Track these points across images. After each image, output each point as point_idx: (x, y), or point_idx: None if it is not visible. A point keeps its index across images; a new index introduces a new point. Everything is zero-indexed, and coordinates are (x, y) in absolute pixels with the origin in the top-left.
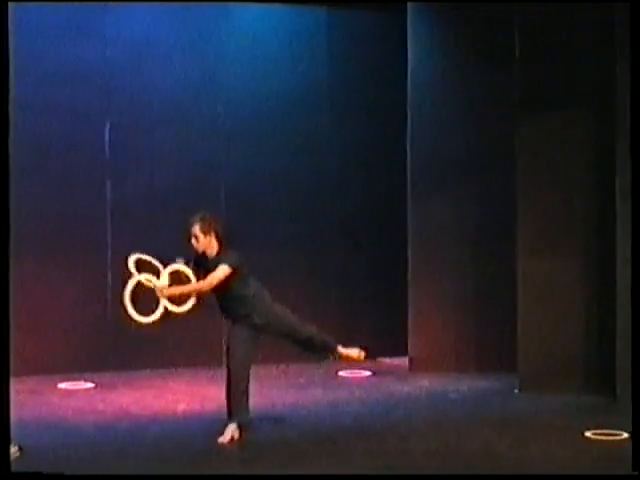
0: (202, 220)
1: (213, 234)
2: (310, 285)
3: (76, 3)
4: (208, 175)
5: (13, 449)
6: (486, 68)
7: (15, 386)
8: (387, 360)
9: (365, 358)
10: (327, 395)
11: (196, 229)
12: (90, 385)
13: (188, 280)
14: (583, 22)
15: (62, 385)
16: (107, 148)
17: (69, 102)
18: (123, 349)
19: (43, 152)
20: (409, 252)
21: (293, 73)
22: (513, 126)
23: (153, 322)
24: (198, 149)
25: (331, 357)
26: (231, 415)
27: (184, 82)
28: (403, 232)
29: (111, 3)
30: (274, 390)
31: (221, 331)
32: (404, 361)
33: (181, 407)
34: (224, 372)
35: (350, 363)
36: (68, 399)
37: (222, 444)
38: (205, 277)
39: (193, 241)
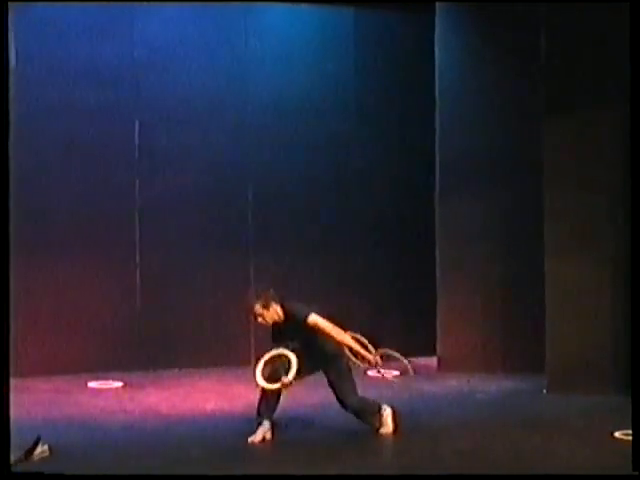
0: (258, 298)
1: (274, 305)
2: (338, 285)
3: (104, 4)
4: (236, 175)
5: (42, 448)
6: (514, 69)
7: (44, 385)
8: (415, 360)
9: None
10: None
11: (258, 309)
12: (119, 384)
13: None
14: (610, 22)
15: (91, 384)
16: (136, 148)
17: (98, 103)
18: (152, 349)
19: (73, 152)
20: (437, 252)
21: (320, 73)
22: (541, 127)
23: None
24: (226, 149)
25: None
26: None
27: (212, 82)
28: (431, 232)
29: (139, 4)
30: (301, 390)
31: (248, 331)
32: (432, 361)
33: (209, 406)
34: (252, 371)
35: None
36: (97, 398)
37: (252, 443)
38: (295, 335)
39: (260, 320)
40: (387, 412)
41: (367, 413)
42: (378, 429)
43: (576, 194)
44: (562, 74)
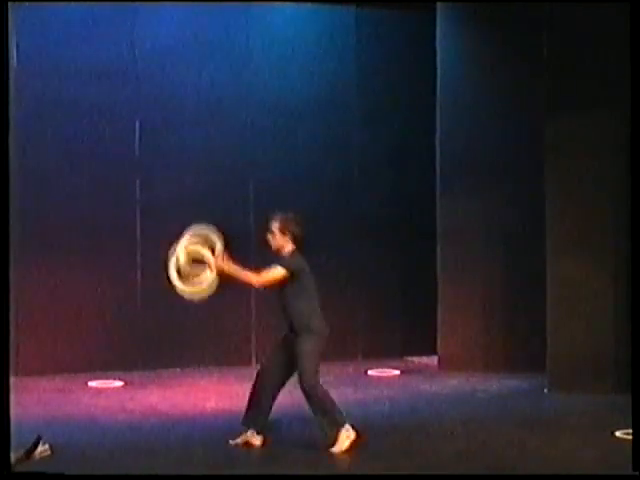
0: (282, 218)
1: (290, 235)
2: (339, 285)
3: (105, 4)
4: (237, 174)
5: (43, 448)
6: (515, 68)
7: (45, 385)
8: (416, 359)
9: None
10: (356, 394)
11: (274, 225)
12: (120, 384)
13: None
14: (610, 22)
15: (92, 384)
16: (137, 147)
17: (99, 102)
18: (152, 348)
19: (73, 152)
20: (438, 251)
21: (322, 73)
22: (541, 127)
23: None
24: (227, 148)
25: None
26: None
27: (213, 82)
28: (432, 231)
29: (140, 3)
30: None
31: (250, 330)
32: (433, 360)
33: (210, 406)
34: (253, 371)
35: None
36: (98, 398)
37: (235, 445)
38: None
39: (269, 236)
40: (349, 433)
41: (323, 411)
42: (330, 444)
43: (577, 193)
44: (562, 74)
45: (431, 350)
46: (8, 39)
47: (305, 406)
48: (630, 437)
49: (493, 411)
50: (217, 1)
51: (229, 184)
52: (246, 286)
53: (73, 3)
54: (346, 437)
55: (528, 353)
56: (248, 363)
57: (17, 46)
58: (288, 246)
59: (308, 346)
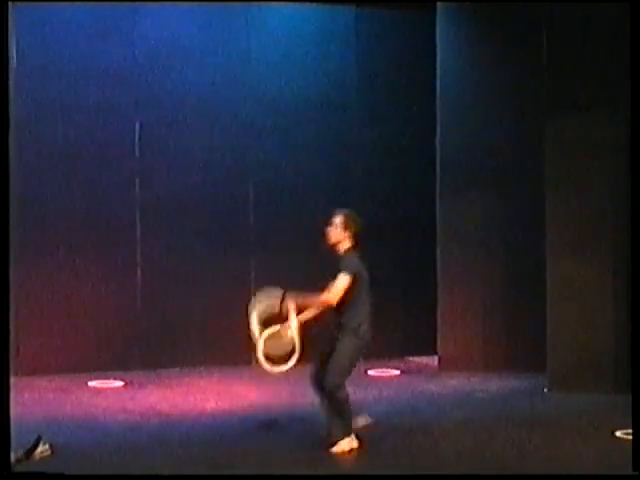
0: (347, 214)
1: (350, 232)
2: None
3: (105, 4)
4: (236, 174)
5: (43, 448)
6: (515, 68)
7: (45, 384)
8: (416, 359)
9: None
10: (356, 394)
11: (338, 219)
12: (119, 383)
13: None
14: (610, 22)
15: (92, 383)
16: (136, 147)
17: (99, 101)
18: (152, 348)
19: (73, 152)
20: (438, 251)
21: (322, 72)
22: (541, 126)
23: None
24: (227, 148)
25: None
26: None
27: (213, 81)
28: (432, 231)
29: (140, 3)
30: (302, 389)
31: (249, 331)
32: (433, 360)
33: (210, 406)
34: (252, 371)
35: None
36: (98, 397)
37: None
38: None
39: (329, 228)
40: (353, 443)
41: (339, 414)
42: (332, 444)
43: (577, 194)
44: (562, 74)
45: (431, 350)
46: (8, 39)
47: (305, 406)
48: (630, 437)
49: (493, 411)
50: (217, 1)
51: (229, 184)
52: (325, 308)
53: (73, 3)
54: (348, 443)
55: (528, 353)
56: (248, 363)
57: (17, 46)
58: (346, 243)
59: (349, 346)
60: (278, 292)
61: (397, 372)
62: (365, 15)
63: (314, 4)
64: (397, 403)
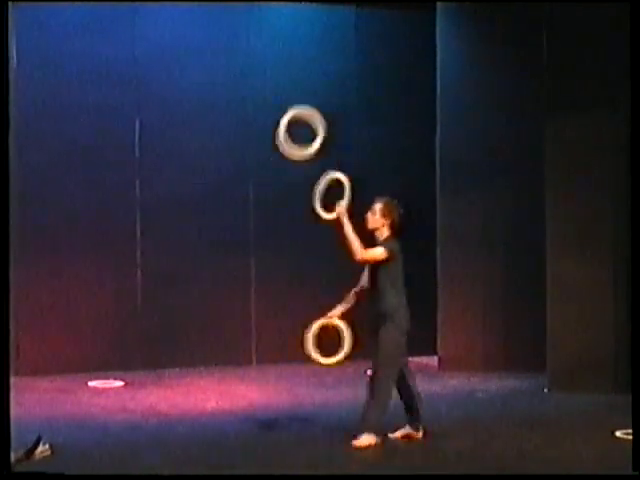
0: (388, 201)
1: (389, 220)
2: (339, 285)
3: (105, 3)
4: (237, 174)
5: (43, 448)
6: (515, 67)
7: (45, 384)
8: (416, 359)
9: None
10: (356, 394)
11: (378, 205)
12: (120, 384)
13: None
14: (610, 22)
15: (92, 383)
16: (137, 147)
17: (99, 101)
18: (153, 348)
19: (73, 152)
20: (438, 251)
21: (322, 72)
22: (541, 126)
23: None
24: (227, 148)
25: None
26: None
27: (213, 81)
28: (432, 231)
29: (140, 3)
30: (303, 389)
31: (250, 330)
32: (433, 360)
33: (210, 406)
34: (253, 371)
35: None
36: (98, 397)
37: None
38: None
39: (369, 214)
40: (373, 440)
41: (374, 407)
42: (354, 436)
43: (577, 193)
44: (562, 74)
45: (431, 350)
46: (8, 39)
47: (305, 406)
48: (630, 437)
49: (493, 411)
50: (217, 1)
51: (229, 184)
52: (349, 254)
53: (73, 3)
54: (370, 440)
55: (528, 353)
56: (248, 363)
57: (17, 46)
58: (384, 230)
59: (387, 336)
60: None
61: None
62: (365, 15)
63: (314, 4)
64: (397, 403)
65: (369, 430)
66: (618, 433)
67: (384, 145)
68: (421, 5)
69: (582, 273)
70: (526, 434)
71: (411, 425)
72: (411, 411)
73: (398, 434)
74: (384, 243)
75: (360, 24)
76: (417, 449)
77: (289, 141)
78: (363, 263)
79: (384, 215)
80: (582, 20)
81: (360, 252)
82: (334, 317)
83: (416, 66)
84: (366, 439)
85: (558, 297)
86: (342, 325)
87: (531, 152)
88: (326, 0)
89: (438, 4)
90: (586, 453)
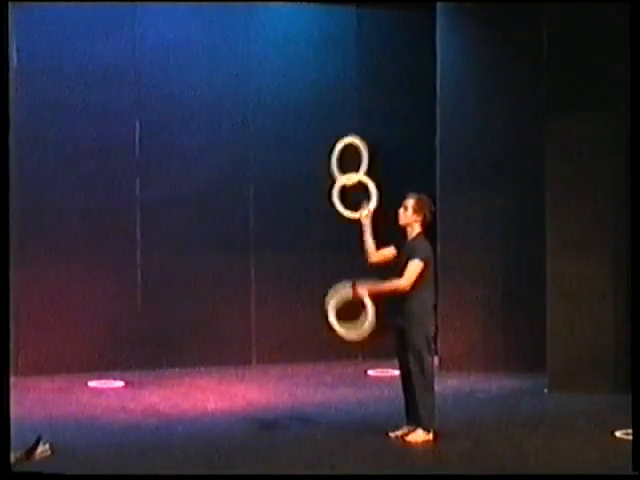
0: (421, 197)
1: (421, 216)
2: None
3: (105, 3)
4: (237, 174)
5: (43, 448)
6: (516, 68)
7: (45, 384)
8: None
9: None
10: (356, 394)
11: (410, 202)
12: (120, 384)
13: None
14: (610, 22)
15: (92, 383)
16: (137, 147)
17: (99, 101)
18: (152, 348)
19: (73, 152)
20: (438, 251)
21: (322, 73)
22: (541, 126)
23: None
24: (227, 148)
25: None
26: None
27: (213, 82)
28: (431, 231)
29: (140, 3)
30: (303, 389)
31: (250, 330)
32: (433, 360)
33: (210, 406)
34: (253, 371)
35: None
36: (98, 397)
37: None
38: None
39: (401, 210)
40: (429, 436)
41: (419, 404)
42: (406, 433)
43: (577, 194)
44: (562, 74)
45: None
46: (8, 39)
47: (305, 406)
48: (630, 437)
49: (493, 411)
50: (217, 1)
51: (228, 184)
52: (397, 294)
53: (73, 3)
54: (424, 436)
55: (528, 353)
56: (248, 363)
57: (17, 46)
58: (416, 226)
59: (418, 342)
60: (348, 283)
61: (397, 372)
62: (365, 15)
63: (314, 4)
64: (397, 403)
65: (426, 426)
66: (618, 433)
67: (383, 146)
68: (421, 5)
69: (581, 273)
70: (526, 434)
71: (409, 424)
72: (410, 411)
73: (399, 433)
74: (416, 250)
75: (360, 24)
76: (417, 449)
77: None
78: (415, 285)
79: (416, 211)
80: (582, 20)
81: (400, 285)
82: (368, 312)
83: (416, 66)
84: (420, 436)
85: (558, 297)
86: (365, 294)
87: (531, 152)
88: (326, 0)
89: (438, 4)
90: (586, 453)
